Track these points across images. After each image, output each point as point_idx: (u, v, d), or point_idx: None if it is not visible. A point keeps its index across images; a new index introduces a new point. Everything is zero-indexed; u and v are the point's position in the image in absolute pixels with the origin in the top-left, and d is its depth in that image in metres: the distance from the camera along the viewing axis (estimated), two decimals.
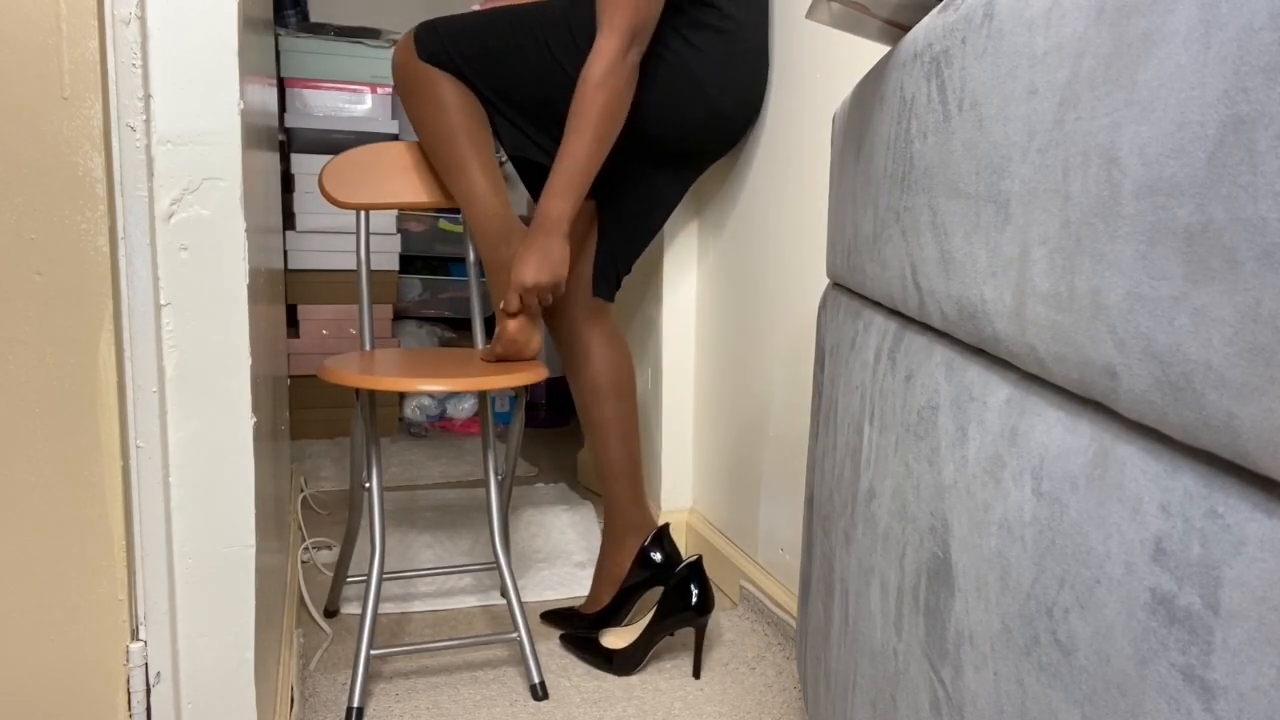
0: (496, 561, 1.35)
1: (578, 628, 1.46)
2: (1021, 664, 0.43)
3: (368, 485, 1.31)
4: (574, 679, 1.35)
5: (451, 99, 1.38)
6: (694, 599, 1.33)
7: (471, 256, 1.54)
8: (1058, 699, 0.40)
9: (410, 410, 2.73)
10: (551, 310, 1.48)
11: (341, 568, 1.51)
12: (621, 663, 1.37)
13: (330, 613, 1.55)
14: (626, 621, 1.45)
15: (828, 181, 1.25)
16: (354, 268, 2.54)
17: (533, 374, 1.31)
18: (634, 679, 1.35)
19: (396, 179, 1.53)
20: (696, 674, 1.37)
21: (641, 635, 1.36)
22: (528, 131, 1.43)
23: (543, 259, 1.27)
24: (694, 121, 1.40)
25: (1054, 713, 0.40)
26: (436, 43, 1.39)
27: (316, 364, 2.54)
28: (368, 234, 1.51)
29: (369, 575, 1.27)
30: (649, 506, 1.50)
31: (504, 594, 1.34)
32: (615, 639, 1.39)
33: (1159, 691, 0.33)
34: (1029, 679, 0.42)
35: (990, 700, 0.46)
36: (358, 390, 1.32)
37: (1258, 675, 0.29)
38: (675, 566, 1.40)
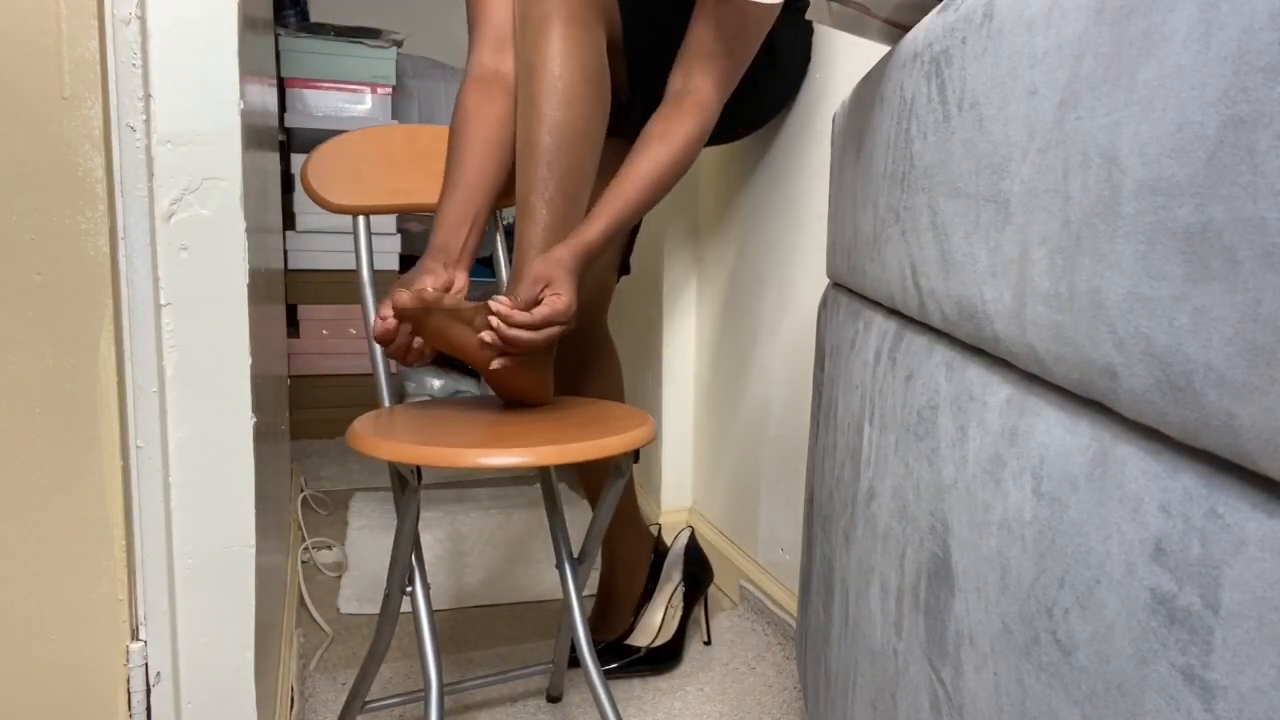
0: (589, 679, 1.04)
1: (624, 656, 1.42)
2: (1021, 664, 0.43)
3: (409, 590, 1.00)
4: (574, 680, 1.35)
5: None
6: (701, 572, 1.46)
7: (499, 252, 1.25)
8: (1058, 699, 0.40)
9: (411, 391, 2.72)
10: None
11: (360, 690, 1.12)
12: (669, 655, 1.40)
13: None
14: (643, 608, 1.46)
15: (828, 181, 1.25)
16: (354, 268, 2.51)
17: (643, 431, 0.94)
18: (634, 680, 1.35)
19: (397, 173, 1.24)
20: (708, 640, 1.46)
21: (678, 626, 1.42)
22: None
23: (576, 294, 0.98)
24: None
25: (1054, 713, 0.40)
26: None
27: (316, 364, 2.54)
28: (369, 242, 1.19)
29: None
30: (646, 528, 1.50)
31: (598, 705, 1.05)
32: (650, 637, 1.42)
33: (1159, 691, 0.33)
34: (1029, 679, 0.42)
35: (990, 700, 0.46)
36: (400, 466, 0.94)
37: (1258, 675, 0.29)
38: (664, 557, 1.48)
